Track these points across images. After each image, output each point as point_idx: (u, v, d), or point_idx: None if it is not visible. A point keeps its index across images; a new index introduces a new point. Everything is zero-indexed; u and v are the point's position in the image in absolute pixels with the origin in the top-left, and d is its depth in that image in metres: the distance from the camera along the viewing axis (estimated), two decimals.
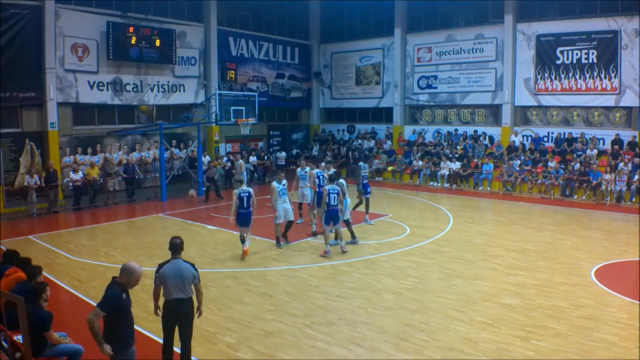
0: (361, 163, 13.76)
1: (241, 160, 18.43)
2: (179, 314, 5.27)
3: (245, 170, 16.25)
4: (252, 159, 21.01)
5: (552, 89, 19.80)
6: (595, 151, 18.05)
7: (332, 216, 10.28)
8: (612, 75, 18.33)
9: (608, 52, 18.30)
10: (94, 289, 8.08)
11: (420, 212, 14.90)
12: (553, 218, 14.23)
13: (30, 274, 5.91)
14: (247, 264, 9.70)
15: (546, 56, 19.76)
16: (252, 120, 18.51)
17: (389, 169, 21.89)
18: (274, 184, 10.93)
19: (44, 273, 8.85)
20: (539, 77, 20.07)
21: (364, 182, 13.20)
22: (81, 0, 17.14)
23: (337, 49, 26.40)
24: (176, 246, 5.32)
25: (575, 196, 17.18)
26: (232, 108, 18.17)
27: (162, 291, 5.32)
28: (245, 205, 10.08)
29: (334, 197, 10.29)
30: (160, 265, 5.30)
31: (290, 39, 25.62)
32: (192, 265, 5.33)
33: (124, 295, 4.57)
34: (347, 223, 11.12)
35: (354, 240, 11.08)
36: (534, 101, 20.40)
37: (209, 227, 13.08)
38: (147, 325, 6.83)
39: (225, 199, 17.83)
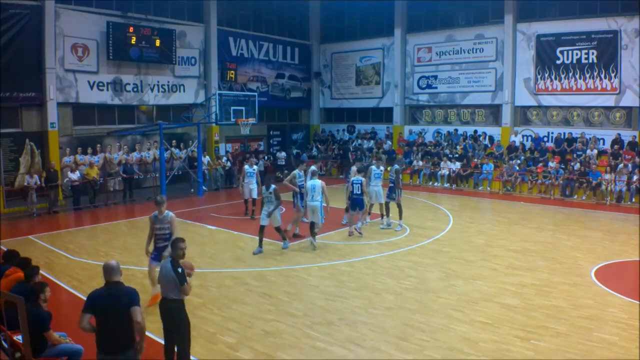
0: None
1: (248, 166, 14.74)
2: (166, 314, 5.34)
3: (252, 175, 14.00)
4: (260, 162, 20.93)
5: (552, 89, 19.81)
6: (595, 151, 18.05)
7: (356, 203, 11.76)
8: (612, 75, 18.33)
9: (608, 52, 18.30)
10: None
11: (420, 212, 14.89)
12: (553, 218, 14.23)
13: (28, 275, 5.91)
14: (247, 264, 9.70)
15: (546, 56, 19.76)
16: (252, 120, 18.52)
17: (389, 169, 21.85)
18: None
19: (44, 273, 8.88)
20: (539, 77, 20.07)
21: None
22: (81, 0, 17.13)
23: (337, 49, 26.40)
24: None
25: (575, 196, 17.18)
26: (232, 108, 18.19)
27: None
28: (165, 233, 7.71)
29: (358, 186, 11.76)
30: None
31: (290, 39, 25.62)
32: (176, 270, 5.18)
33: None
34: (278, 230, 10.63)
35: (284, 244, 10.72)
36: (534, 101, 20.40)
37: (209, 227, 13.08)
38: (147, 325, 6.75)
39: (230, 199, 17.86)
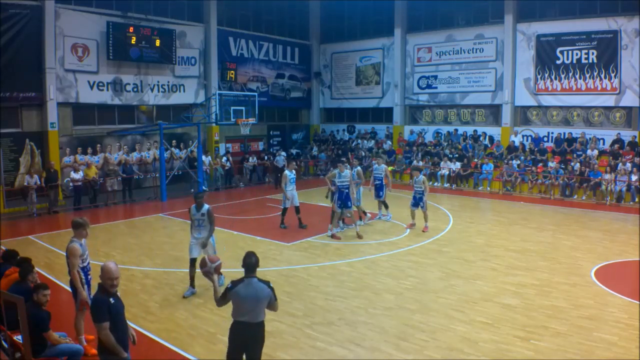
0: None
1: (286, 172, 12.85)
2: (247, 338, 4.68)
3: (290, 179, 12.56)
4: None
5: (552, 89, 19.81)
6: (596, 151, 18.06)
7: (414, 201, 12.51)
8: (612, 75, 18.33)
9: (608, 52, 18.30)
10: (94, 289, 8.04)
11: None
12: (553, 218, 14.23)
13: (22, 273, 5.91)
14: None
15: (546, 56, 19.76)
16: (252, 120, 18.52)
17: (389, 169, 21.85)
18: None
19: (44, 273, 8.88)
20: (539, 77, 20.07)
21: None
22: (81, 0, 17.14)
23: (337, 49, 26.40)
24: (251, 265, 4.76)
25: (575, 196, 17.18)
26: (232, 108, 18.20)
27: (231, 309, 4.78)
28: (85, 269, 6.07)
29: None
30: (234, 284, 4.71)
31: (290, 39, 25.63)
32: (268, 283, 4.74)
33: (111, 299, 4.32)
34: (193, 263, 8.04)
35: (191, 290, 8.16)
36: (534, 101, 20.40)
37: None
38: (147, 325, 6.83)
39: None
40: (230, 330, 4.75)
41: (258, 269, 4.89)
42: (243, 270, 4.77)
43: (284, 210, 12.72)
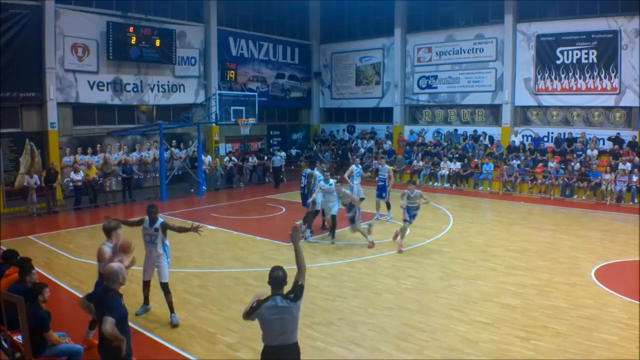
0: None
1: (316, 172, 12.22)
2: None
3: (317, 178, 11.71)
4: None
5: (552, 89, 19.81)
6: (596, 151, 18.06)
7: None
8: (612, 75, 18.33)
9: (608, 52, 18.30)
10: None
11: (420, 212, 14.80)
12: (553, 218, 14.22)
13: (22, 273, 5.91)
14: (247, 264, 9.69)
15: (546, 56, 19.76)
16: (252, 120, 18.54)
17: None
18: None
19: (44, 273, 8.88)
20: (539, 77, 20.07)
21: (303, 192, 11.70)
22: (81, 0, 17.13)
23: (337, 49, 26.41)
24: (277, 280, 4.24)
25: (575, 196, 17.18)
26: (232, 108, 18.22)
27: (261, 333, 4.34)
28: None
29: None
30: (259, 304, 4.23)
31: (290, 39, 25.63)
32: (292, 297, 4.24)
33: (122, 301, 4.33)
34: (164, 287, 7.10)
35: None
36: (534, 101, 20.40)
37: (209, 227, 13.06)
38: (147, 325, 6.83)
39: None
40: (262, 356, 4.26)
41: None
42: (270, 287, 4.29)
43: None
